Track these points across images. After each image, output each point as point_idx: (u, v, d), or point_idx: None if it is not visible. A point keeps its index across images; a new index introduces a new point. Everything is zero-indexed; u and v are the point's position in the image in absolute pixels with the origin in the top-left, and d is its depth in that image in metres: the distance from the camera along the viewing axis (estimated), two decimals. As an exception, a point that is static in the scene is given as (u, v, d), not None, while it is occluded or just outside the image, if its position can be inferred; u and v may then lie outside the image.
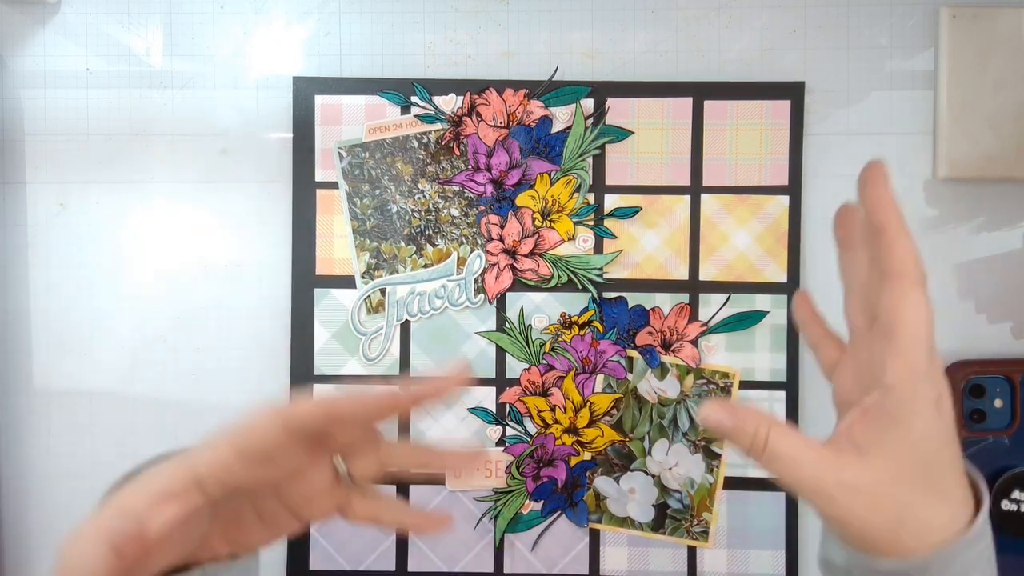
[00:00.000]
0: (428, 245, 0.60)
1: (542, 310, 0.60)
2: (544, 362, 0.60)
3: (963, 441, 0.59)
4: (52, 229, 0.61)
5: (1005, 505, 0.58)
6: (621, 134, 0.60)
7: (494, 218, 0.60)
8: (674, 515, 0.60)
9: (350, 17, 0.61)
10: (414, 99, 0.60)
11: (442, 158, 0.60)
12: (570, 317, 0.60)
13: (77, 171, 0.61)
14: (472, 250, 0.60)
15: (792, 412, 0.60)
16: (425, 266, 0.60)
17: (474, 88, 0.59)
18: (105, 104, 0.61)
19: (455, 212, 0.60)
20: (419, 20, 0.61)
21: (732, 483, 0.60)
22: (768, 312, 0.60)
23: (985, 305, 0.60)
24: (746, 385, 0.60)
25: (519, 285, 0.60)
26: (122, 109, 0.61)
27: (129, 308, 0.61)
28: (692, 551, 0.60)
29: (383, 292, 0.60)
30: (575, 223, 0.60)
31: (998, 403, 0.59)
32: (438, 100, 0.60)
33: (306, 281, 0.60)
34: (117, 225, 0.61)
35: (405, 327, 0.60)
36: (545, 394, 0.60)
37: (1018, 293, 0.61)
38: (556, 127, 0.59)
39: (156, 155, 0.61)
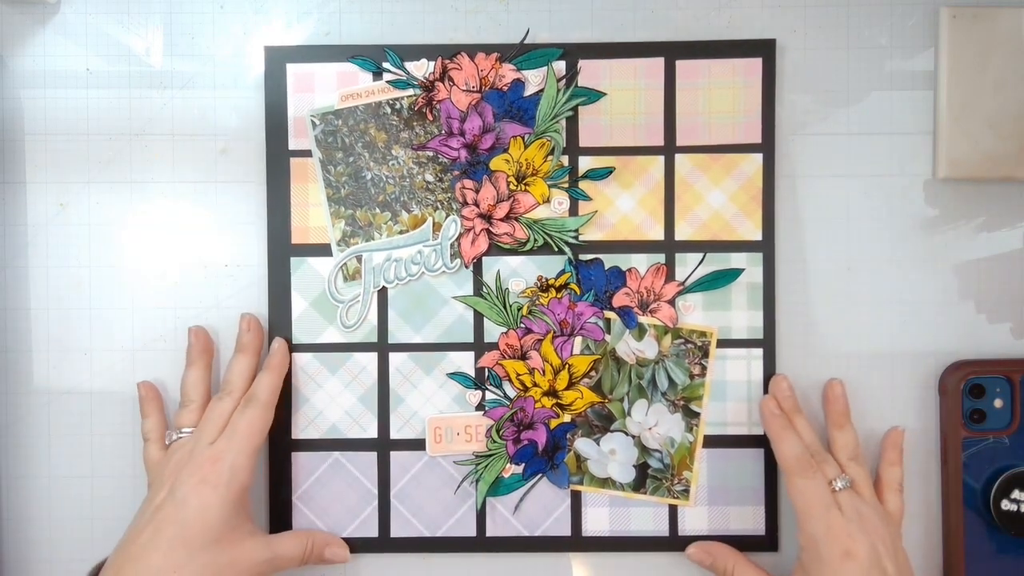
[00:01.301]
0: (403, 211, 0.60)
1: (519, 274, 0.60)
2: (522, 326, 0.60)
3: (963, 441, 0.59)
4: (52, 229, 0.61)
5: (1005, 505, 0.58)
6: (594, 96, 0.60)
7: (469, 183, 0.60)
8: (655, 475, 0.60)
9: (350, 17, 0.61)
10: (385, 65, 0.60)
11: (415, 124, 0.60)
12: (547, 280, 0.60)
13: (77, 171, 0.61)
14: (447, 215, 0.60)
15: (769, 369, 0.60)
16: (401, 232, 0.60)
17: (445, 53, 0.59)
18: (105, 104, 0.61)
19: (429, 178, 0.60)
20: (419, 20, 0.61)
21: (712, 441, 0.60)
22: (744, 270, 0.60)
23: (985, 305, 0.61)
24: (723, 344, 0.60)
25: (495, 249, 0.60)
26: (122, 109, 0.61)
27: (129, 308, 0.61)
28: (673, 510, 0.60)
29: (359, 259, 0.60)
30: (550, 186, 0.60)
31: (998, 403, 0.59)
32: (410, 65, 0.60)
33: (282, 250, 0.60)
34: (117, 225, 0.61)
35: (382, 294, 0.61)
36: (524, 357, 0.60)
37: (1018, 293, 0.61)
38: (529, 90, 0.60)
39: (156, 155, 0.61)
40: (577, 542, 0.61)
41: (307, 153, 0.60)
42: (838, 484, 0.55)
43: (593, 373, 0.60)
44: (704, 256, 0.60)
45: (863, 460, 0.57)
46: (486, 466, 0.60)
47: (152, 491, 0.55)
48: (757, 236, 0.60)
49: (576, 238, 0.60)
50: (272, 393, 0.57)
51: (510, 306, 0.60)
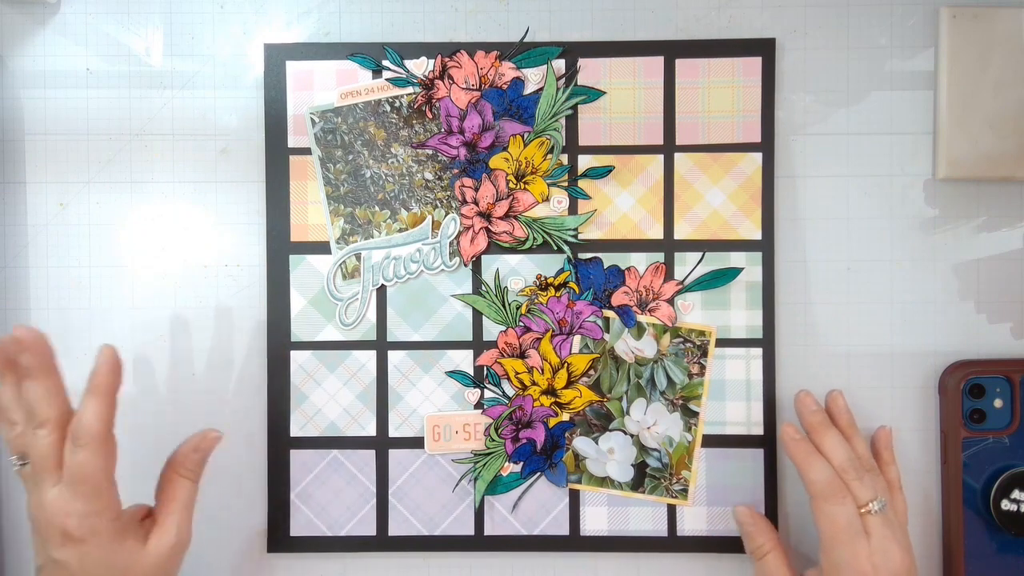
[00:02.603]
0: (402, 209, 0.60)
1: (518, 272, 0.60)
2: (521, 324, 0.60)
3: (963, 441, 0.59)
4: (52, 229, 0.62)
5: (1005, 505, 0.58)
6: (593, 94, 0.60)
7: (468, 181, 0.60)
8: (653, 474, 0.60)
9: (350, 17, 0.61)
10: (385, 63, 0.60)
11: (415, 122, 0.60)
12: (546, 279, 0.60)
13: (77, 171, 0.61)
14: (447, 213, 0.60)
15: (768, 369, 0.60)
16: (400, 230, 0.60)
17: (445, 51, 0.60)
18: (105, 104, 0.61)
19: (429, 176, 0.60)
20: (419, 20, 0.61)
21: (710, 441, 0.60)
22: (743, 269, 0.60)
23: (985, 305, 0.61)
24: (722, 343, 0.60)
25: (494, 247, 0.60)
26: (122, 109, 0.61)
27: (129, 308, 0.61)
28: (672, 509, 0.60)
29: (358, 257, 0.60)
30: (549, 184, 0.60)
31: (998, 403, 0.59)
32: (409, 63, 0.60)
33: (281, 248, 0.60)
34: (117, 225, 0.62)
35: (381, 292, 0.61)
36: (522, 356, 0.60)
37: (1018, 293, 0.61)
38: (528, 89, 0.60)
39: (156, 155, 0.61)
40: (575, 541, 0.60)
41: (306, 151, 0.60)
42: (874, 507, 0.53)
43: (592, 372, 0.60)
44: (703, 255, 0.60)
45: (877, 468, 0.56)
46: (484, 464, 0.60)
47: (30, 520, 0.51)
48: (756, 235, 0.60)
49: (575, 237, 0.60)
50: (102, 421, 0.49)
51: (509, 304, 0.60)
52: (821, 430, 0.55)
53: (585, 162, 0.60)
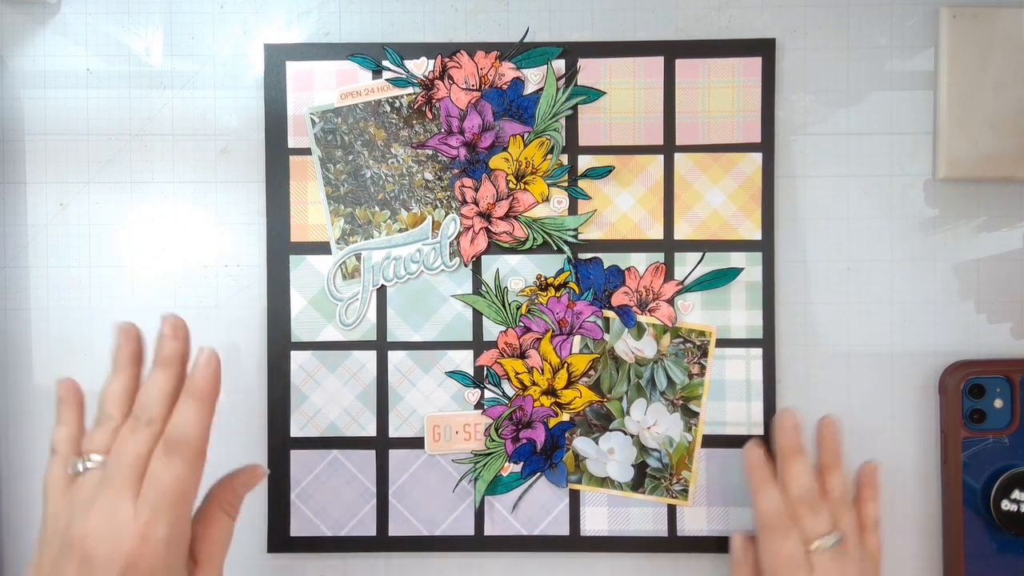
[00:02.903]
0: (402, 209, 0.60)
1: (518, 272, 0.60)
2: (521, 324, 0.60)
3: (963, 441, 0.59)
4: (52, 229, 0.62)
5: (1005, 505, 0.58)
6: (593, 95, 0.60)
7: (468, 181, 0.60)
8: (653, 474, 0.60)
9: (350, 17, 0.61)
10: (385, 63, 0.60)
11: (415, 122, 0.60)
12: (546, 279, 0.60)
13: (77, 171, 0.61)
14: (447, 214, 0.60)
15: (768, 369, 0.60)
16: (400, 231, 0.60)
17: (445, 51, 0.59)
18: (105, 104, 0.61)
19: (429, 176, 0.60)
20: (419, 20, 0.61)
21: (710, 441, 0.60)
22: (743, 269, 0.60)
23: (985, 305, 0.61)
24: (722, 343, 0.60)
25: (494, 248, 0.60)
26: (122, 109, 0.61)
27: (129, 308, 0.61)
28: (672, 509, 0.60)
29: (358, 257, 0.60)
30: (549, 185, 0.60)
31: (998, 403, 0.59)
32: (409, 64, 0.60)
33: (281, 248, 0.60)
34: (117, 225, 0.61)
35: (381, 292, 0.61)
36: (523, 356, 0.60)
37: (1018, 293, 0.61)
38: (528, 89, 0.60)
39: (156, 155, 0.61)
40: (575, 541, 0.60)
41: (306, 151, 0.60)
42: (826, 542, 0.52)
43: (592, 372, 0.60)
44: (703, 255, 0.60)
45: (851, 503, 0.55)
46: (484, 464, 0.60)
47: (49, 541, 0.43)
48: (756, 235, 0.60)
49: (575, 237, 0.60)
50: (203, 434, 0.44)
51: (509, 305, 0.60)
52: (788, 455, 0.54)
53: (585, 162, 0.60)
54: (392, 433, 0.61)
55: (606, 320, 0.60)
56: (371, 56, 0.60)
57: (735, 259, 0.60)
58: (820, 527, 0.52)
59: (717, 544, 0.60)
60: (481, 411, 0.60)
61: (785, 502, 0.53)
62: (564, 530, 0.60)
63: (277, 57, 0.60)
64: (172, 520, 0.42)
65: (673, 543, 0.60)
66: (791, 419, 0.55)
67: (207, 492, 0.48)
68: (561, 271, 0.60)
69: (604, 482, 0.60)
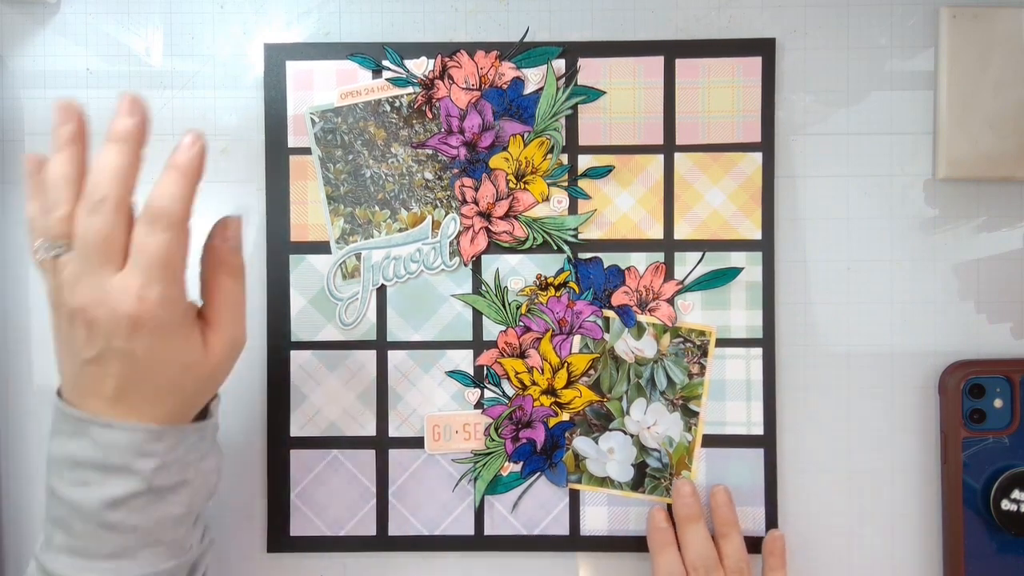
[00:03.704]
0: (402, 209, 0.60)
1: (518, 272, 0.60)
2: (521, 324, 0.60)
3: (963, 441, 0.59)
4: (52, 229, 0.61)
5: (1005, 505, 0.58)
6: (593, 94, 0.60)
7: (468, 181, 0.60)
8: (653, 474, 0.60)
9: (350, 17, 0.61)
10: (385, 63, 0.60)
11: (415, 122, 0.60)
12: (546, 278, 0.60)
13: (77, 171, 0.61)
14: (447, 213, 0.60)
15: (768, 369, 0.60)
16: (400, 230, 0.60)
17: (445, 51, 0.60)
18: (105, 104, 0.61)
19: (429, 176, 0.60)
20: (419, 20, 0.61)
21: (710, 441, 0.60)
22: (743, 269, 0.60)
23: (985, 305, 0.61)
24: (722, 343, 0.60)
25: (494, 247, 0.60)
26: (122, 109, 0.61)
27: None
28: (672, 509, 0.60)
29: (358, 257, 0.60)
30: (549, 184, 0.60)
31: (998, 403, 0.59)
32: (409, 63, 0.60)
33: (280, 247, 0.60)
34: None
35: (381, 292, 0.61)
36: (522, 356, 0.60)
37: (1018, 293, 0.61)
38: (528, 89, 0.60)
39: (156, 155, 0.60)
40: (575, 541, 0.60)
41: (306, 151, 0.60)
42: None
43: (592, 372, 0.60)
44: (703, 255, 0.60)
45: (749, 569, 0.57)
46: (484, 464, 0.60)
47: (57, 315, 0.44)
48: (756, 235, 0.60)
49: (575, 236, 0.60)
50: (183, 205, 0.43)
51: (509, 304, 0.60)
52: (685, 523, 0.57)
53: (585, 162, 0.60)
54: (392, 433, 0.61)
55: (606, 320, 0.60)
56: (371, 56, 0.60)
57: (735, 259, 0.60)
58: None
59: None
60: (481, 411, 0.60)
61: (680, 567, 0.56)
62: (564, 530, 0.60)
63: (277, 57, 0.60)
64: (163, 282, 0.42)
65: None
66: (687, 486, 0.58)
67: (200, 257, 0.48)
68: (561, 271, 0.60)
69: (604, 482, 0.60)
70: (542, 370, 0.60)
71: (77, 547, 0.44)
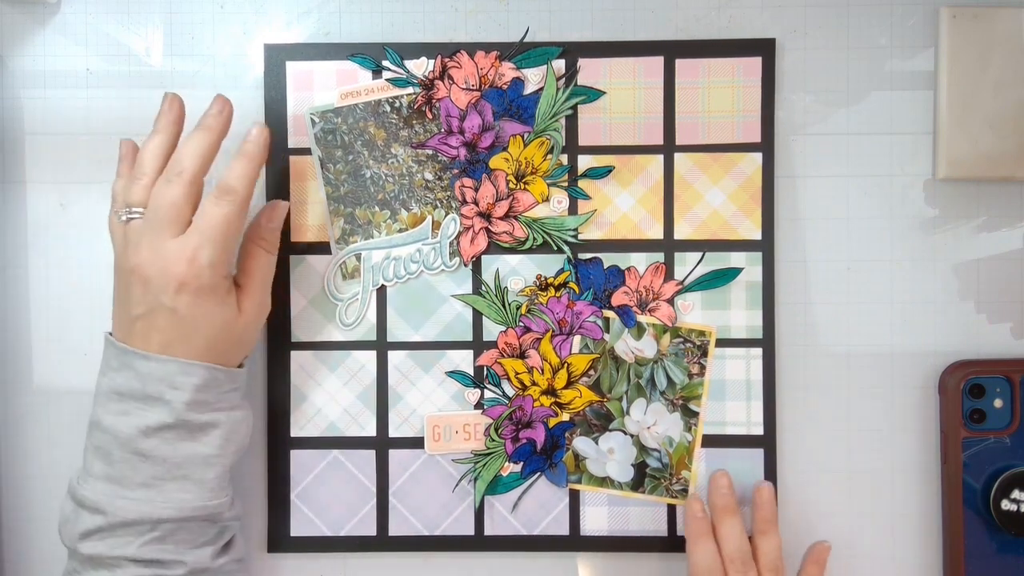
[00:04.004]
0: (402, 209, 0.60)
1: (518, 272, 0.60)
2: (521, 324, 0.60)
3: (963, 441, 0.59)
4: (52, 229, 0.62)
5: (1005, 505, 0.58)
6: (593, 94, 0.60)
7: (468, 181, 0.60)
8: (653, 474, 0.60)
9: (350, 17, 0.61)
10: (385, 63, 0.60)
11: (415, 122, 0.60)
12: (546, 279, 0.60)
13: (77, 171, 0.61)
14: (447, 214, 0.60)
15: (768, 369, 0.60)
16: (400, 231, 0.60)
17: (445, 51, 0.60)
18: (105, 104, 0.61)
19: (429, 176, 0.60)
20: (419, 20, 0.61)
21: (710, 441, 0.60)
22: (743, 269, 0.60)
23: (985, 305, 0.61)
24: (722, 343, 0.60)
25: (494, 248, 0.60)
26: (122, 109, 0.61)
27: None
28: (672, 509, 0.60)
29: (358, 257, 0.60)
30: (549, 185, 0.60)
31: (998, 403, 0.59)
32: (409, 64, 0.60)
33: (281, 248, 0.60)
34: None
35: (381, 292, 0.61)
36: (522, 356, 0.60)
37: (1018, 293, 0.61)
38: (528, 89, 0.60)
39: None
40: (575, 541, 0.60)
41: (306, 151, 0.60)
42: None
43: (592, 372, 0.60)
44: (703, 255, 0.60)
45: (783, 570, 0.56)
46: (484, 464, 0.60)
47: (119, 273, 0.52)
48: (756, 235, 0.60)
49: (575, 237, 0.60)
50: (249, 183, 0.52)
51: (509, 305, 0.60)
52: (723, 515, 0.57)
53: (585, 162, 0.60)
54: (392, 433, 0.61)
55: (606, 320, 0.60)
56: (371, 56, 0.60)
57: (735, 259, 0.60)
58: None
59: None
60: (481, 411, 0.60)
61: (717, 558, 0.56)
62: (564, 530, 0.60)
63: (277, 57, 0.60)
64: (216, 247, 0.50)
65: (673, 543, 0.60)
66: (725, 479, 0.58)
67: (244, 233, 0.55)
68: (561, 271, 0.60)
69: (604, 482, 0.60)
70: (542, 370, 0.60)
71: (114, 474, 0.50)
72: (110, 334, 0.53)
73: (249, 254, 0.55)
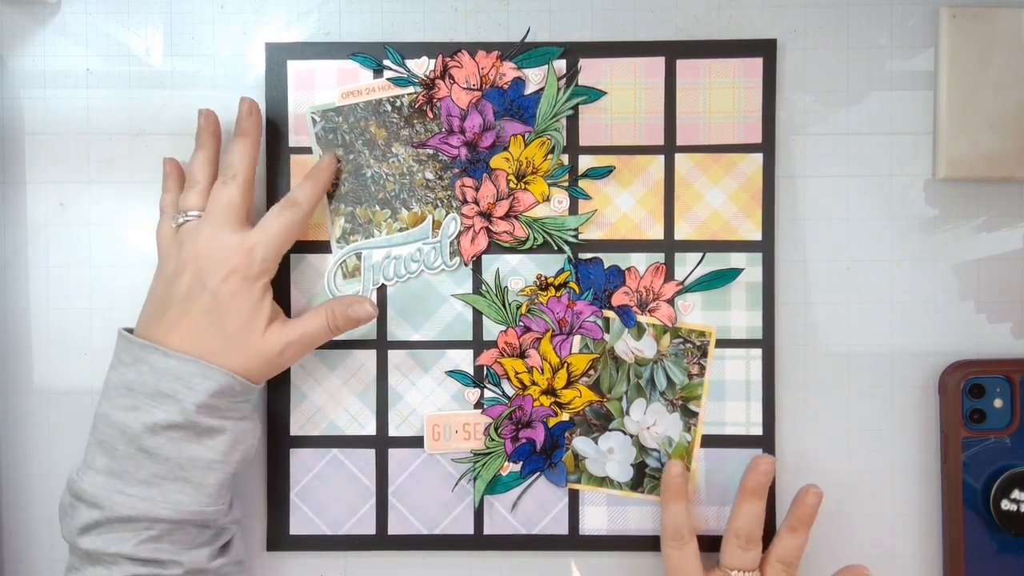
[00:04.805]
0: (403, 209, 0.60)
1: (518, 272, 0.60)
2: (521, 324, 0.60)
3: (963, 441, 0.59)
4: (52, 229, 0.62)
5: (1005, 505, 0.58)
6: (594, 95, 0.60)
7: (469, 181, 0.60)
8: (652, 474, 0.60)
9: (350, 17, 0.61)
10: (386, 62, 0.60)
11: (415, 121, 0.60)
12: (546, 279, 0.60)
13: (77, 171, 0.61)
14: (447, 213, 0.60)
15: (768, 370, 0.60)
16: (400, 230, 0.60)
17: (446, 50, 0.60)
18: (105, 104, 0.61)
19: (429, 175, 0.60)
20: (419, 20, 0.61)
21: (709, 441, 0.60)
22: (743, 270, 0.60)
23: (985, 305, 0.61)
24: (722, 343, 0.60)
25: (495, 247, 0.60)
26: (122, 109, 0.61)
27: (129, 308, 0.61)
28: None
29: (359, 257, 0.60)
30: (549, 184, 0.60)
31: (998, 403, 0.59)
32: (410, 63, 0.60)
33: (282, 247, 0.60)
34: (117, 225, 0.62)
35: (381, 291, 0.61)
36: (522, 356, 0.60)
37: (1018, 293, 0.61)
38: (529, 89, 0.60)
39: (156, 155, 0.61)
40: (575, 541, 0.60)
41: (307, 150, 0.60)
42: (733, 574, 0.56)
43: (591, 372, 0.60)
44: (703, 256, 0.60)
45: (796, 570, 0.57)
46: (484, 464, 0.60)
47: (165, 271, 0.55)
48: (757, 236, 0.60)
49: (575, 237, 0.60)
50: (313, 201, 0.57)
51: (509, 304, 0.60)
52: (750, 495, 0.57)
53: (586, 162, 0.60)
54: (392, 432, 0.61)
55: (606, 320, 0.60)
56: (372, 55, 0.60)
57: (735, 259, 0.60)
58: (744, 562, 0.56)
59: (717, 544, 0.60)
60: (481, 410, 0.60)
61: (688, 521, 0.57)
62: (563, 529, 0.60)
63: (278, 56, 0.60)
64: (272, 245, 0.54)
65: (673, 543, 0.60)
66: (769, 465, 0.57)
67: (331, 299, 0.58)
68: (561, 271, 0.60)
69: (603, 482, 0.60)
70: (542, 370, 0.60)
71: (116, 469, 0.51)
72: (126, 330, 0.54)
73: (316, 314, 0.56)
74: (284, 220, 0.55)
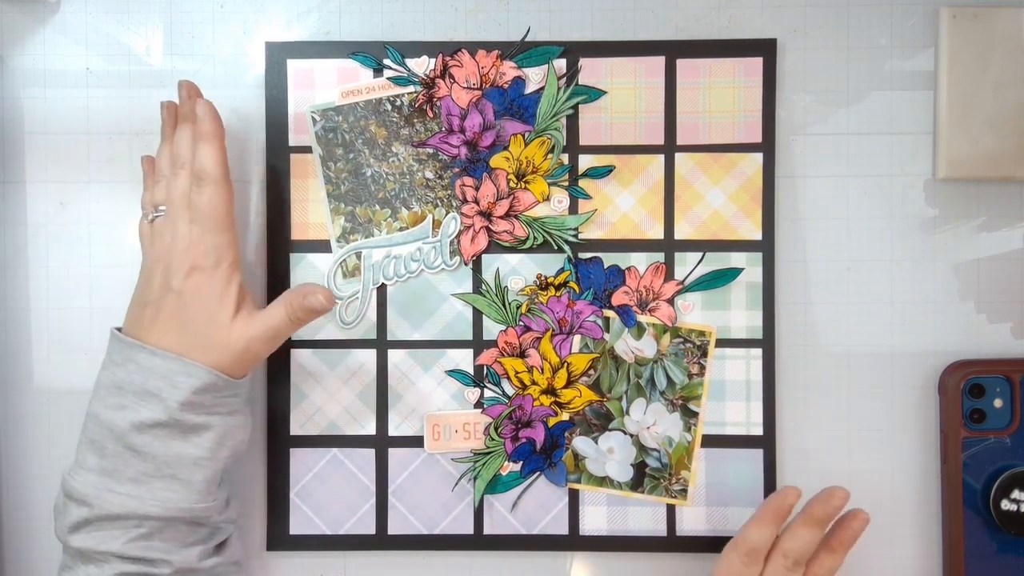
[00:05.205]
0: (403, 208, 0.60)
1: (518, 271, 0.60)
2: (521, 323, 0.60)
3: (963, 441, 0.59)
4: (52, 229, 0.62)
5: (1005, 505, 0.58)
6: (594, 94, 0.60)
7: (469, 180, 0.60)
8: (652, 474, 0.60)
9: (350, 17, 0.61)
10: (386, 61, 0.60)
11: (416, 121, 0.60)
12: (546, 278, 0.60)
13: (77, 171, 0.61)
14: (447, 212, 0.60)
15: (768, 369, 0.60)
16: (400, 229, 0.60)
17: (446, 50, 0.60)
18: (105, 104, 0.61)
19: (429, 175, 0.60)
20: (419, 20, 0.61)
21: (709, 441, 0.60)
22: (743, 269, 0.60)
23: (985, 305, 0.61)
24: (722, 343, 0.60)
25: (495, 247, 0.60)
26: (122, 109, 0.61)
27: None
28: (671, 509, 0.60)
29: (359, 256, 0.60)
30: (550, 184, 0.60)
31: (998, 403, 0.59)
32: (410, 62, 0.60)
33: (281, 246, 0.60)
34: (117, 225, 0.61)
35: (381, 291, 0.61)
36: (522, 355, 0.60)
37: (1018, 293, 0.61)
38: (529, 88, 0.60)
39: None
40: (575, 541, 0.60)
41: (307, 149, 0.60)
42: None
43: (591, 372, 0.60)
44: (703, 255, 0.60)
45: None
46: (484, 464, 0.60)
47: (143, 269, 0.56)
48: (757, 236, 0.60)
49: (575, 236, 0.60)
50: (218, 164, 0.54)
51: (509, 304, 0.60)
52: (812, 522, 0.54)
53: (586, 162, 0.60)
54: (392, 432, 0.61)
55: (606, 320, 0.60)
56: (372, 55, 0.60)
57: (735, 259, 0.60)
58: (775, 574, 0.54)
59: (717, 544, 0.60)
60: (481, 410, 0.60)
61: (768, 545, 0.55)
62: (563, 529, 0.60)
63: (279, 55, 0.60)
64: (216, 228, 0.53)
65: (672, 543, 0.60)
66: (842, 501, 0.54)
67: (293, 290, 0.55)
68: (561, 270, 0.60)
69: (603, 482, 0.60)
70: (542, 370, 0.60)
71: (107, 467, 0.51)
72: (117, 329, 0.55)
73: (277, 307, 0.54)
74: (206, 200, 0.53)
